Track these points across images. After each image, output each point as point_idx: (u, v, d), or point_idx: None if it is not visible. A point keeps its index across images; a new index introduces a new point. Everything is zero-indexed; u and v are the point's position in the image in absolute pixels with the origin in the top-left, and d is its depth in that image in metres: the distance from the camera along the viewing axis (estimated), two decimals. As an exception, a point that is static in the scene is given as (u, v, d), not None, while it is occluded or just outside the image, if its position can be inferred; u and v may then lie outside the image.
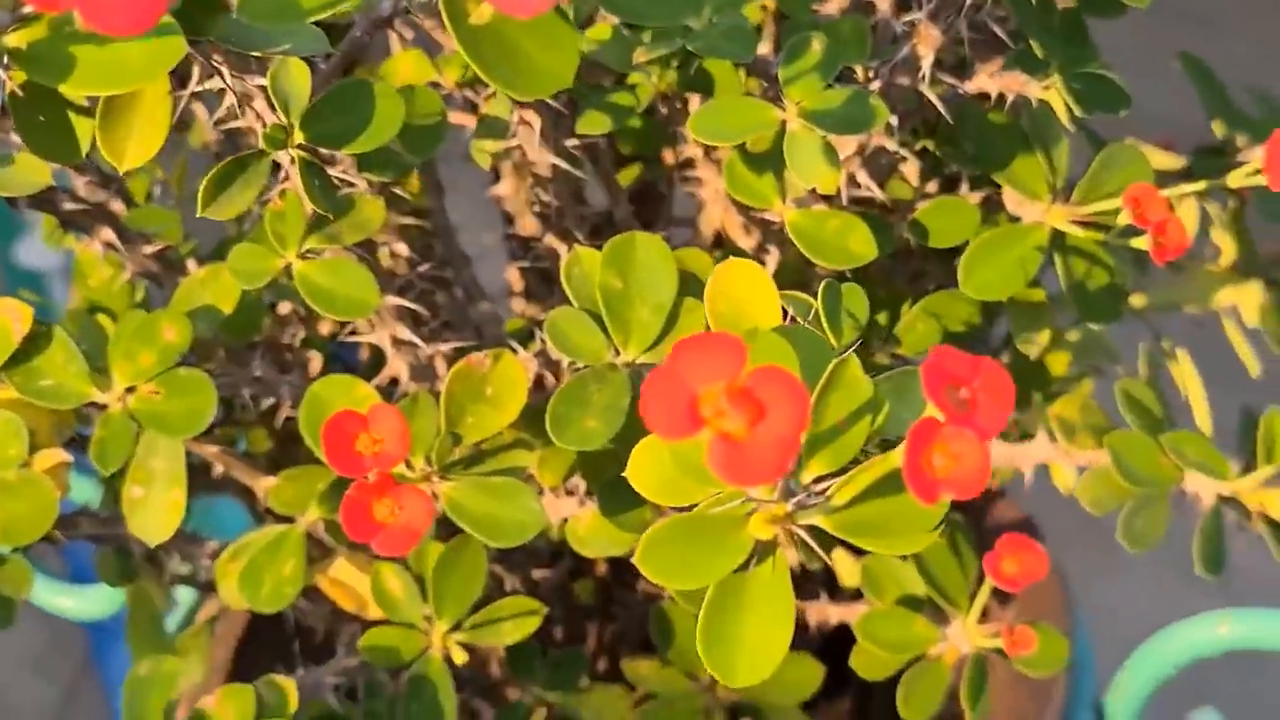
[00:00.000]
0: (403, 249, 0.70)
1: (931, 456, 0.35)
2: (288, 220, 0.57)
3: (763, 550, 0.40)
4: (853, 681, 0.74)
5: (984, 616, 0.86)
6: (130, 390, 0.61)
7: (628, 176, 0.82)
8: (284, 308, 0.77)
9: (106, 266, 0.72)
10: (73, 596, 0.96)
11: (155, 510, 0.63)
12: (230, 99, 0.52)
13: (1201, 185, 0.61)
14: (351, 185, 0.58)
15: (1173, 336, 0.84)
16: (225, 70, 0.51)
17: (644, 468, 0.43)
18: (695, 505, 0.42)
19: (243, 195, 0.51)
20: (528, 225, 0.72)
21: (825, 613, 0.75)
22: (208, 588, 0.78)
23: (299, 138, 0.51)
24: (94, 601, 0.96)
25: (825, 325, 0.51)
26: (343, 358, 0.84)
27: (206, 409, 0.61)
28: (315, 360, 0.79)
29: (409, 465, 0.61)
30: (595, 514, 0.65)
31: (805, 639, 0.81)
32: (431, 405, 0.62)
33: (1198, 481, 0.67)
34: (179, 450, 0.63)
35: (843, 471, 0.40)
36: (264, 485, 0.70)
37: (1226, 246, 0.78)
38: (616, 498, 0.62)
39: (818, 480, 0.40)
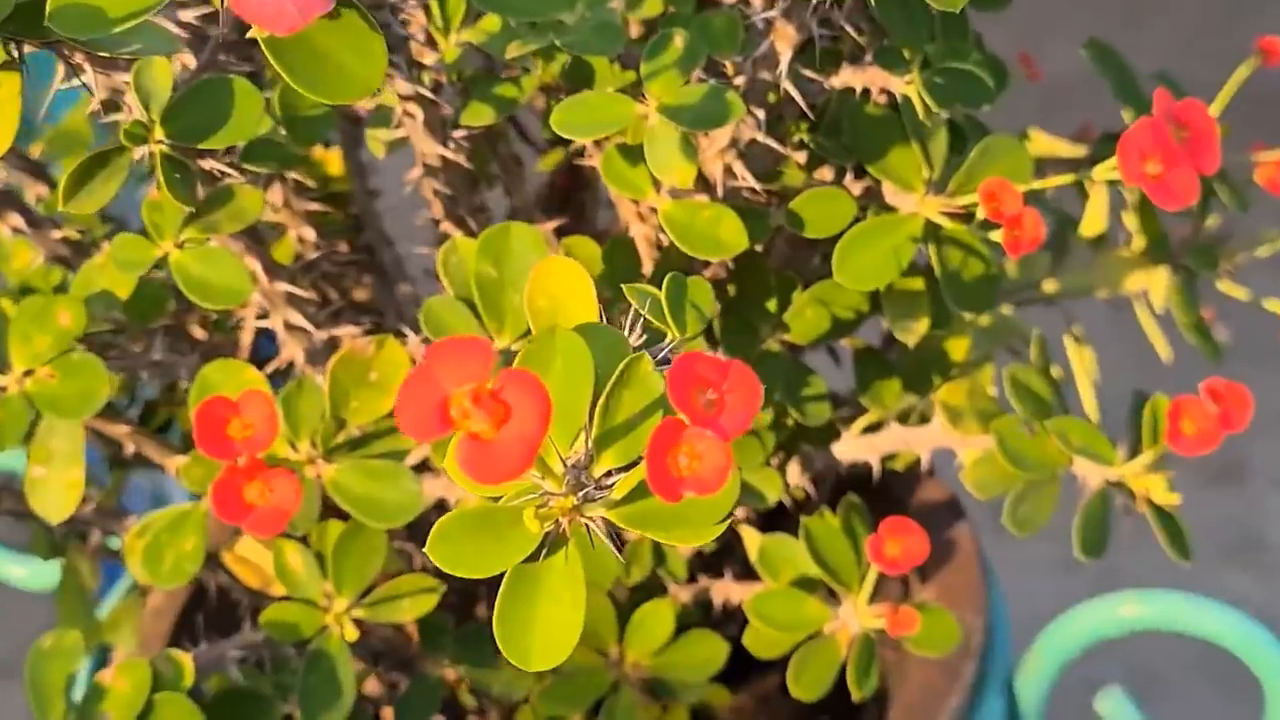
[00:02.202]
0: (310, 234, 0.71)
1: (677, 456, 0.36)
2: (164, 211, 0.58)
3: (555, 542, 0.42)
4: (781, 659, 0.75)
5: (905, 595, 0.87)
6: (29, 373, 0.63)
7: (554, 159, 0.83)
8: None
9: (27, 249, 0.74)
10: (25, 566, 0.98)
11: (55, 489, 0.65)
12: (101, 94, 0.54)
13: (1070, 178, 0.61)
14: (234, 176, 0.60)
15: (1093, 320, 0.85)
16: (89, 68, 0.52)
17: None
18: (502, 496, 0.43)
19: (105, 189, 0.53)
20: (436, 209, 0.74)
21: (728, 591, 0.76)
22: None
23: (160, 134, 0.53)
24: (46, 572, 0.98)
25: (668, 316, 0.52)
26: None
27: (99, 391, 0.62)
28: (247, 334, 0.81)
29: (294, 448, 0.63)
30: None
31: (725, 619, 0.83)
32: (317, 389, 0.63)
33: (1085, 466, 0.68)
34: (77, 431, 0.65)
35: (634, 466, 0.42)
36: (175, 464, 0.72)
37: (1136, 231, 0.79)
38: (500, 480, 0.63)
39: (609, 474, 0.41)
